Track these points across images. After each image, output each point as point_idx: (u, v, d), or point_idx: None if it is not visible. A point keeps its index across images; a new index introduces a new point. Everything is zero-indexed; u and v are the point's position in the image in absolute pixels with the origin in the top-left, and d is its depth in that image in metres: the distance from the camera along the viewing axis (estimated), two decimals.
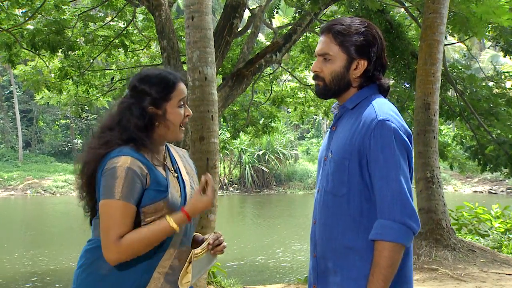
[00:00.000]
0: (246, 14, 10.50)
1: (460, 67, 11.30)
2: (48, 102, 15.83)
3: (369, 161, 1.77)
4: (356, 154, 1.79)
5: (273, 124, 14.05)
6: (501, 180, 29.96)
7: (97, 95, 13.13)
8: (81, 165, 1.93)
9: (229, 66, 10.38)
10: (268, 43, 11.64)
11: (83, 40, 10.78)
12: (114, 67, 12.89)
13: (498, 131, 10.28)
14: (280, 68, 13.41)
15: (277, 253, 12.64)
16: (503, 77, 11.62)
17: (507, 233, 9.86)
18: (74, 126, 35.20)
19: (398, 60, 9.98)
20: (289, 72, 13.64)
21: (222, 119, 13.09)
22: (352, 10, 9.87)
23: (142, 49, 12.12)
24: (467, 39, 12.73)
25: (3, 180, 29.52)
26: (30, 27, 9.78)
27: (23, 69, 12.37)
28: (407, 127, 1.84)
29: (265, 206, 25.12)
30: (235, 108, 13.15)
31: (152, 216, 1.86)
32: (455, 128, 17.37)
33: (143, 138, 1.90)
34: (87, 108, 14.80)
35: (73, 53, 10.41)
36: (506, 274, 6.37)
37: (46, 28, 9.19)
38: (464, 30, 8.72)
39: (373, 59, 1.87)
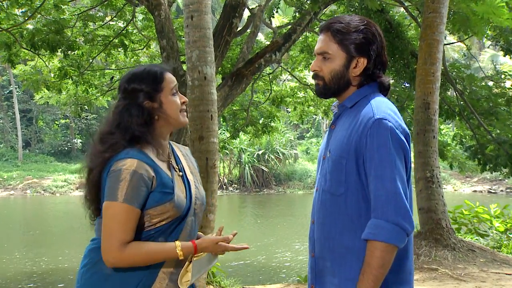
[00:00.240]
0: (246, 13, 10.47)
1: (460, 67, 11.27)
2: (48, 102, 15.84)
3: (365, 160, 1.76)
4: (353, 153, 1.78)
5: (272, 124, 14.04)
6: (500, 179, 29.94)
7: (97, 95, 13.12)
8: (87, 171, 1.93)
9: (229, 65, 10.37)
10: (268, 42, 11.61)
11: (83, 39, 10.76)
12: (113, 66, 12.89)
13: (498, 131, 10.26)
14: (280, 67, 13.40)
15: (277, 253, 12.63)
16: (503, 76, 11.61)
17: (507, 232, 9.85)
18: (73, 125, 35.22)
19: (398, 59, 9.98)
20: (288, 71, 13.63)
21: (221, 119, 13.09)
22: (352, 10, 9.86)
23: (141, 49, 12.11)
24: (467, 38, 12.73)
25: (3, 180, 29.50)
26: (30, 26, 9.77)
27: (23, 68, 12.37)
28: (405, 126, 1.81)
29: (264, 206, 25.09)
30: (234, 108, 13.14)
31: (158, 218, 1.86)
32: (455, 128, 17.35)
33: (146, 133, 1.90)
34: (86, 107, 14.75)
35: (72, 53, 10.38)
36: (506, 274, 6.36)
37: (45, 28, 9.17)
38: (464, 29, 8.71)
39: (373, 57, 1.85)
